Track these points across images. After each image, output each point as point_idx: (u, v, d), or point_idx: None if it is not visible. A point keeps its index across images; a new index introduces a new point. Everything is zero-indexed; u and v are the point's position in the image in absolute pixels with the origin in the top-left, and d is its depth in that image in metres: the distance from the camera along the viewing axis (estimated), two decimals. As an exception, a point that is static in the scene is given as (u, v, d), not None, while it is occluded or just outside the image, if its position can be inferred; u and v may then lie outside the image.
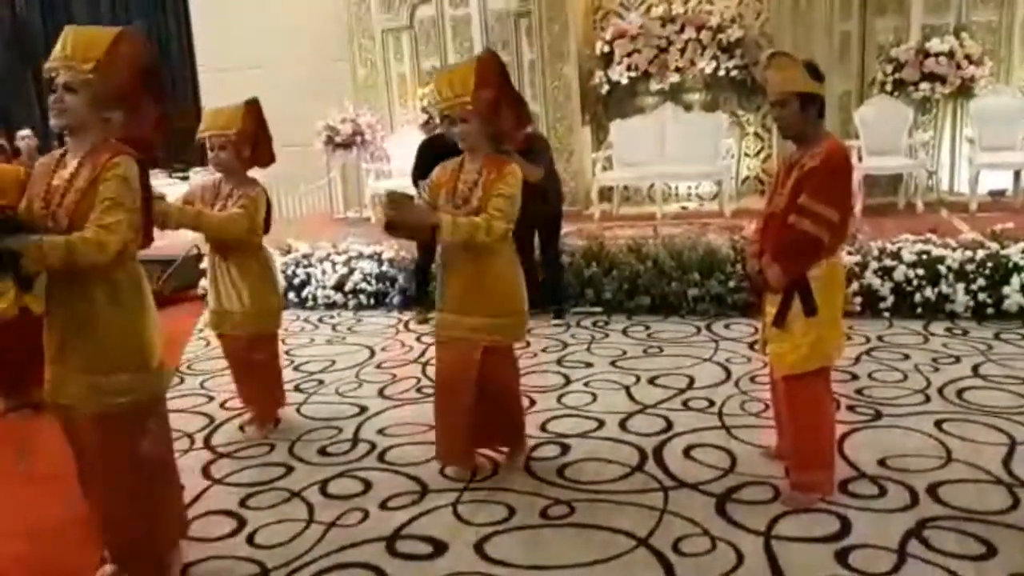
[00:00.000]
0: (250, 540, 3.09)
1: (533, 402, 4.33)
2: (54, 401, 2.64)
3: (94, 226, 2.44)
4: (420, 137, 7.02)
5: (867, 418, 3.85)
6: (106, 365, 2.55)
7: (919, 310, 5.32)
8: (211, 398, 4.70)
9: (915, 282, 5.33)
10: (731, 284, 5.65)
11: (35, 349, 4.51)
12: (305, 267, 6.85)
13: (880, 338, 4.98)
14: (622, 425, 3.96)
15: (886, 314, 5.35)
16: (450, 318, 3.42)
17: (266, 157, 4.05)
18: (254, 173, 4.05)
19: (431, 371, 4.87)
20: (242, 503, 3.38)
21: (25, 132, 7.86)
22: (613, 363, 4.91)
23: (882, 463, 3.37)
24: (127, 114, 2.58)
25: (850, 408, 3.95)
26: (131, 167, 2.53)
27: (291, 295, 6.83)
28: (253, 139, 3.94)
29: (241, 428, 4.22)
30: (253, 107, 3.95)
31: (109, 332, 2.55)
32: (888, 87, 7.49)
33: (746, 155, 8.39)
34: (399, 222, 3.28)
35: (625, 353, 5.10)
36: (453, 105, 3.32)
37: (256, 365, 4.11)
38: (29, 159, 6.31)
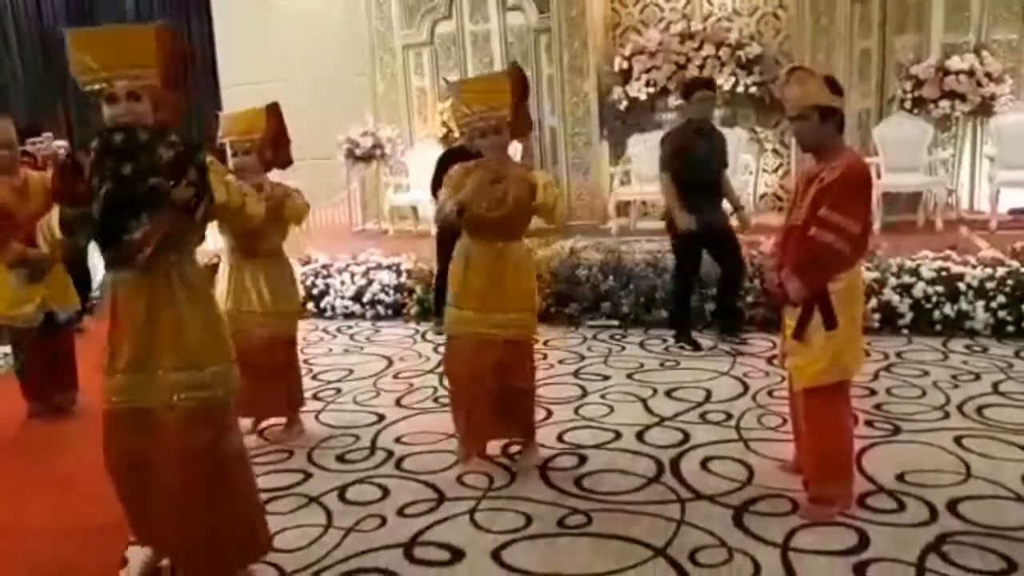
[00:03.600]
0: (269, 544, 3.11)
1: (550, 413, 4.34)
2: (130, 406, 2.59)
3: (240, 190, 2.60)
4: (439, 151, 7.07)
5: (886, 433, 3.84)
6: (197, 360, 2.56)
7: (938, 327, 5.30)
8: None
9: (934, 299, 5.31)
10: (749, 299, 5.64)
11: (58, 354, 4.64)
12: (324, 277, 6.91)
13: (899, 354, 4.96)
14: (639, 437, 3.96)
15: (905, 331, 5.33)
16: (470, 315, 3.51)
17: (285, 159, 4.13)
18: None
19: (448, 381, 4.93)
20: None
21: (40, 138, 7.72)
22: (630, 376, 4.92)
23: (901, 478, 3.35)
24: (160, 107, 2.57)
25: (868, 423, 3.93)
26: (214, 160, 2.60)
27: (310, 305, 6.89)
28: (274, 142, 4.02)
29: (260, 433, 4.25)
30: (274, 110, 4.02)
31: (195, 328, 2.57)
32: (907, 104, 7.48)
33: (764, 171, 8.39)
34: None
35: (642, 366, 5.10)
36: (491, 118, 3.42)
37: (274, 367, 4.12)
38: (55, 160, 6.39)
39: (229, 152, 3.98)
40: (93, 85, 2.48)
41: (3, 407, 4.72)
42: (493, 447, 3.84)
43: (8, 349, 4.82)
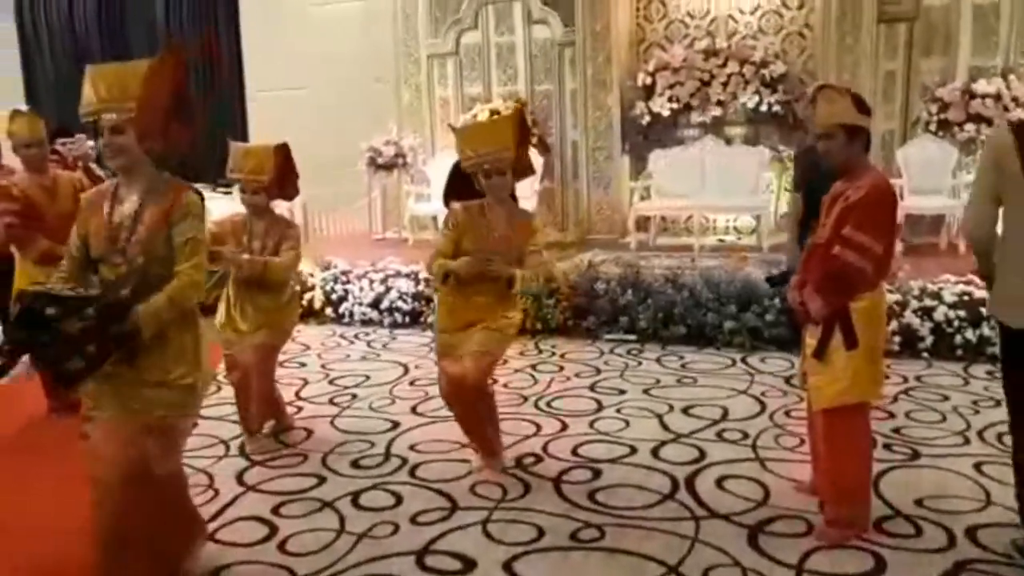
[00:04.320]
0: (281, 547, 3.12)
1: (565, 426, 4.33)
2: (95, 413, 2.65)
3: (187, 268, 2.60)
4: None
5: (904, 457, 3.80)
6: (157, 376, 2.62)
7: (959, 352, 5.24)
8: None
9: (956, 323, 5.26)
10: (768, 318, 5.61)
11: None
12: (343, 284, 6.94)
13: (919, 378, 4.91)
14: (654, 453, 3.94)
15: (925, 355, 5.28)
16: (461, 336, 3.62)
17: (291, 192, 4.25)
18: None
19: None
20: (275, 511, 3.42)
21: (73, 139, 7.87)
22: (646, 391, 4.90)
23: (919, 503, 3.32)
24: (163, 140, 2.65)
25: (887, 447, 3.89)
26: (198, 203, 2.67)
27: (328, 310, 6.93)
28: (281, 181, 4.10)
29: (276, 437, 4.26)
30: (281, 150, 4.08)
31: (162, 346, 2.62)
32: (932, 127, 7.44)
33: (786, 190, 8.33)
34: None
35: (659, 382, 5.08)
36: (496, 159, 3.55)
37: (265, 374, 4.14)
38: (85, 160, 6.48)
39: (240, 189, 4.11)
40: (87, 118, 2.61)
41: (25, 405, 4.77)
42: (507, 458, 3.84)
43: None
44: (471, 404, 3.66)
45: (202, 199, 2.73)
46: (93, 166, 6.49)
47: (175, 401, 2.65)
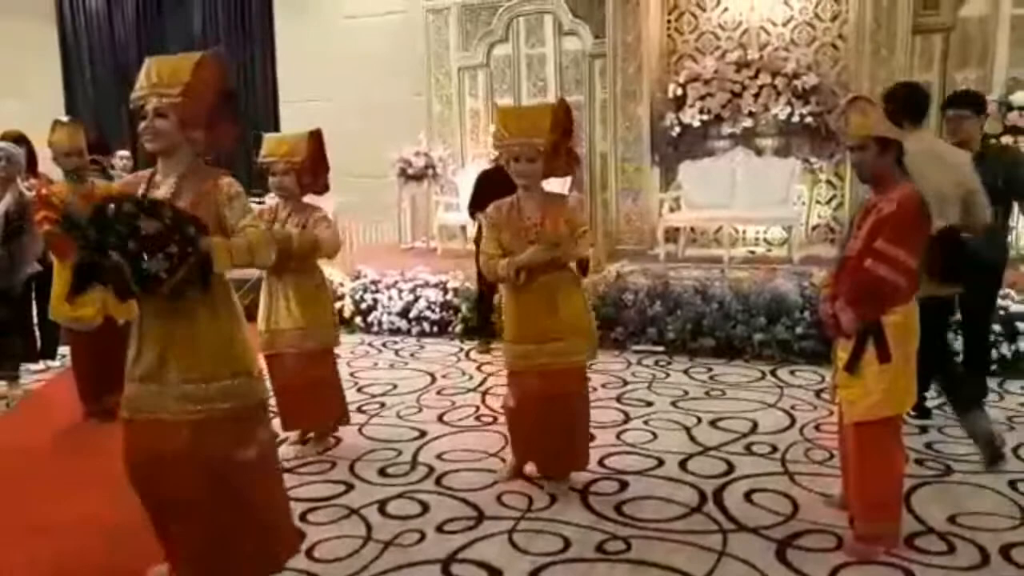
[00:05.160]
0: (309, 553, 3.14)
1: (592, 437, 4.30)
2: (140, 417, 2.62)
3: (258, 226, 2.63)
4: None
5: (937, 473, 3.74)
6: (207, 374, 2.58)
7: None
8: (276, 413, 4.80)
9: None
10: (798, 330, 5.57)
11: (115, 356, 4.76)
12: (373, 292, 7.00)
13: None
14: (682, 465, 3.92)
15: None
16: (531, 348, 3.54)
17: (323, 185, 4.21)
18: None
19: (490, 400, 4.97)
20: (303, 517, 3.44)
21: (124, 152, 8.30)
22: (674, 403, 4.88)
23: (952, 520, 3.26)
24: (208, 133, 2.66)
25: (919, 462, 3.84)
26: (238, 184, 2.67)
27: (358, 319, 6.98)
28: (314, 167, 4.10)
29: (304, 443, 4.30)
30: (316, 136, 4.10)
31: (209, 343, 2.59)
32: (968, 139, 7.33)
33: (817, 202, 8.28)
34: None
35: (687, 394, 5.06)
36: (525, 144, 3.44)
37: (315, 381, 4.16)
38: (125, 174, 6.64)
39: (271, 173, 4.09)
40: (135, 103, 2.64)
41: (60, 408, 4.87)
42: (532, 467, 3.84)
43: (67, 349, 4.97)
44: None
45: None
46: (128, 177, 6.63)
47: (227, 392, 2.60)
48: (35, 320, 5.65)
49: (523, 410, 3.65)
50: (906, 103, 3.97)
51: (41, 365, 5.85)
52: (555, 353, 3.52)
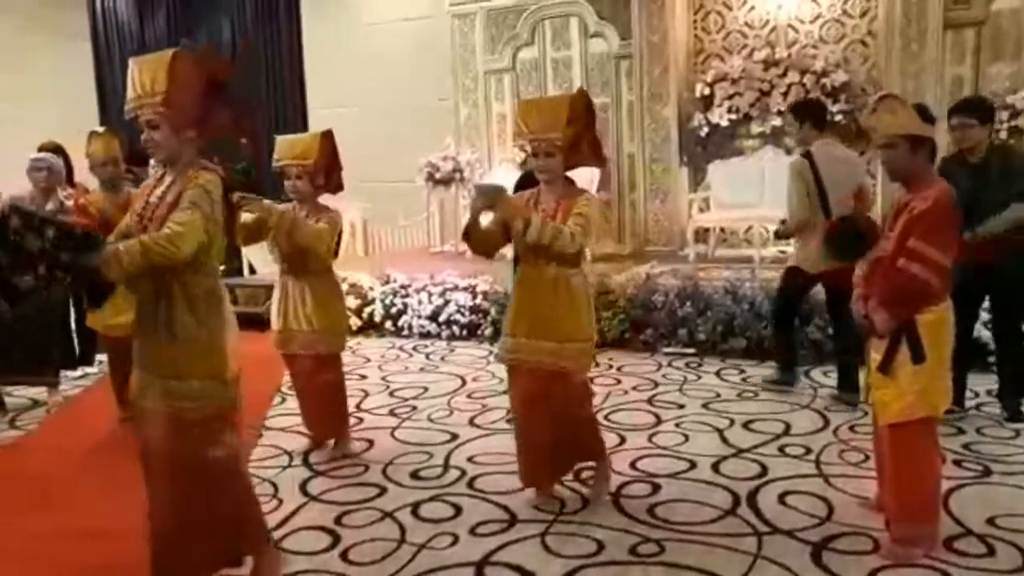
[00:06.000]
0: (344, 556, 3.17)
1: (623, 439, 4.32)
2: (138, 403, 2.77)
3: (171, 222, 2.58)
4: (516, 175, 7.15)
5: (975, 474, 3.69)
6: (179, 370, 2.66)
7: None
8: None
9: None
10: (830, 331, 5.50)
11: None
12: (403, 296, 7.04)
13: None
14: (715, 468, 3.90)
15: (995, 368, 5.10)
16: (521, 342, 3.44)
17: (336, 185, 4.21)
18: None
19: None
20: (337, 520, 3.48)
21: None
22: (706, 405, 4.85)
23: (991, 522, 3.21)
24: (200, 128, 2.68)
25: (957, 463, 3.79)
26: (213, 180, 2.66)
27: (388, 323, 7.03)
28: (327, 168, 4.11)
29: (320, 445, 4.35)
30: (327, 138, 4.12)
31: (184, 339, 2.66)
32: (1003, 134, 7.21)
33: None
34: (492, 210, 3.30)
35: (719, 395, 5.03)
36: (541, 139, 3.36)
37: (323, 386, 4.21)
38: None
39: (285, 176, 4.12)
40: (128, 115, 2.66)
41: (99, 412, 4.96)
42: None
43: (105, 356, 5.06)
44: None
45: (227, 187, 2.74)
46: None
47: (196, 393, 2.66)
48: (73, 327, 5.77)
49: (520, 411, 3.56)
50: (809, 114, 4.90)
51: (79, 372, 5.96)
52: (544, 352, 3.39)
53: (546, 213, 3.38)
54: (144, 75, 2.61)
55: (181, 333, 2.65)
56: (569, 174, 3.51)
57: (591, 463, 3.69)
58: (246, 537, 2.90)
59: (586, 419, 3.62)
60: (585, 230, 3.31)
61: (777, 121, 8.03)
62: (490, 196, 3.30)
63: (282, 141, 4.18)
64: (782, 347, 5.19)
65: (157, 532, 2.74)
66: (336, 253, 4.26)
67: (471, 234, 3.47)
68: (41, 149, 5.39)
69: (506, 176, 8.05)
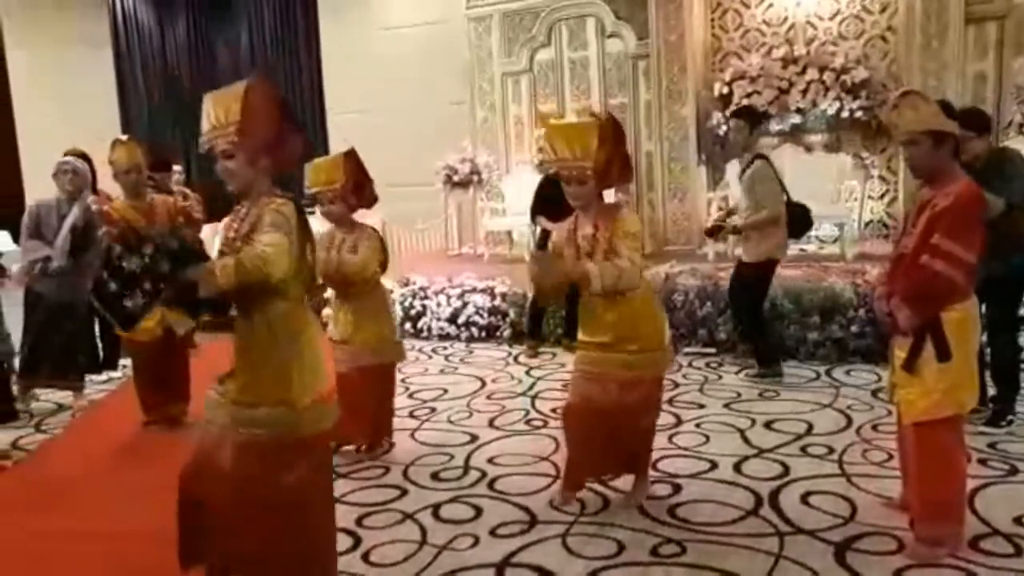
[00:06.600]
0: (365, 557, 3.19)
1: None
2: (207, 422, 2.73)
3: (260, 240, 2.56)
4: (534, 177, 7.15)
5: (1001, 473, 3.64)
6: (251, 396, 2.63)
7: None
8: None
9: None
10: (853, 329, 5.46)
11: (174, 367, 4.89)
12: (421, 299, 7.07)
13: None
14: (736, 468, 3.88)
15: (1022, 366, 5.03)
16: (597, 355, 3.43)
17: (370, 199, 4.26)
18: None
19: (540, 404, 4.98)
20: (359, 522, 3.50)
21: (177, 167, 8.49)
22: (727, 405, 4.83)
23: (1018, 521, 3.18)
24: (274, 156, 2.70)
25: (982, 462, 3.74)
26: (286, 206, 2.65)
27: (407, 325, 7.05)
28: (356, 186, 4.17)
29: (357, 449, 4.35)
30: (350, 157, 4.16)
31: (260, 364, 2.64)
32: (1027, 128, 7.14)
33: (870, 198, 8.11)
34: (545, 280, 3.34)
35: (739, 395, 5.00)
36: (572, 167, 3.35)
37: (371, 396, 4.23)
38: (176, 188, 6.79)
39: (318, 202, 4.20)
40: (204, 147, 2.70)
41: (122, 416, 5.00)
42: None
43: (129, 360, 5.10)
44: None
45: (300, 211, 2.72)
46: (185, 189, 6.80)
47: (272, 420, 2.61)
48: (97, 333, 5.83)
49: (581, 416, 3.51)
50: (756, 121, 5.66)
51: (104, 376, 6.03)
52: (618, 364, 3.39)
53: (585, 241, 3.40)
54: (218, 108, 2.64)
55: (259, 357, 2.63)
56: None
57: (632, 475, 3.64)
58: (320, 572, 2.78)
59: (647, 429, 3.60)
60: (638, 250, 3.36)
61: (796, 119, 7.98)
62: (541, 264, 3.32)
63: (309, 168, 4.23)
64: (766, 341, 5.38)
65: (239, 559, 2.69)
66: (384, 267, 4.34)
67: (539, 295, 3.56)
68: (66, 155, 5.45)
69: (523, 179, 8.07)
